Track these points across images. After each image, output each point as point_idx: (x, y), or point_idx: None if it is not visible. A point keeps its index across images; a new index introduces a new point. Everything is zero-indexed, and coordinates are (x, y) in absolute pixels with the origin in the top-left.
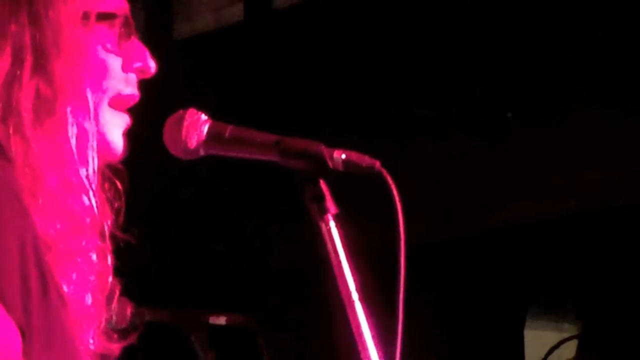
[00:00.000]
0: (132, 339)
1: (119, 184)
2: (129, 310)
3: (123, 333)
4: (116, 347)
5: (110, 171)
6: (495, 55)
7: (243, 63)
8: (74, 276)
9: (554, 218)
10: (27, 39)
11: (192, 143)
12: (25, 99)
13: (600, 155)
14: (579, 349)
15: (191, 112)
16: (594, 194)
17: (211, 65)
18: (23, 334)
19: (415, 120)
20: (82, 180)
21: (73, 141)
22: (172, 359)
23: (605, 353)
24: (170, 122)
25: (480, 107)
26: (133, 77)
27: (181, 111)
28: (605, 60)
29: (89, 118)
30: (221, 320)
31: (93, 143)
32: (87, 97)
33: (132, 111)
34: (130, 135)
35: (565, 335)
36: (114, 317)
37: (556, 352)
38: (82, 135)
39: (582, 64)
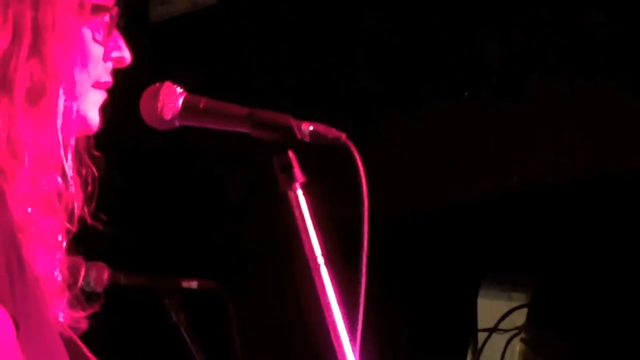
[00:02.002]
0: (96, 307)
1: (95, 170)
2: (105, 275)
3: (94, 299)
4: (83, 319)
5: (88, 157)
6: (452, 35)
7: (217, 44)
8: (43, 255)
9: (505, 192)
10: (28, 19)
11: (168, 114)
12: (19, 80)
13: (550, 131)
14: (529, 316)
15: (167, 85)
16: (544, 169)
17: (186, 46)
18: (16, 323)
19: (378, 97)
20: (61, 161)
21: (59, 122)
22: (146, 320)
23: (552, 321)
24: (147, 94)
25: (440, 86)
26: (110, 66)
27: (157, 84)
28: (554, 39)
29: (75, 100)
30: (193, 285)
31: (74, 123)
32: (75, 82)
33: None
34: (105, 109)
35: (516, 304)
36: (92, 282)
37: (507, 319)
38: (67, 116)
39: (534, 42)
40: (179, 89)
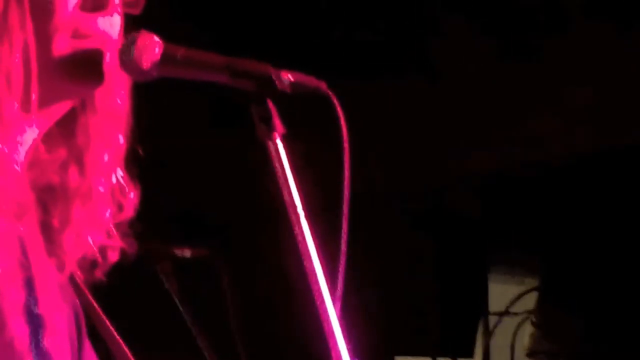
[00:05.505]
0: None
1: None
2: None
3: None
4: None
5: None
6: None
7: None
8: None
9: (513, 171)
10: None
11: (146, 64)
12: None
13: (561, 102)
14: (539, 300)
15: (144, 33)
16: (552, 146)
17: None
18: None
19: (373, 68)
20: None
21: None
22: (137, 287)
23: (563, 304)
24: (124, 43)
25: (436, 57)
26: None
27: (134, 33)
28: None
29: None
30: (186, 253)
31: None
32: None
33: None
34: None
35: (527, 287)
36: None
37: (518, 303)
38: None
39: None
40: (156, 38)
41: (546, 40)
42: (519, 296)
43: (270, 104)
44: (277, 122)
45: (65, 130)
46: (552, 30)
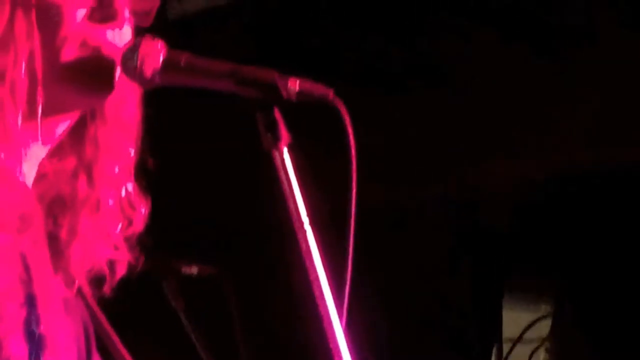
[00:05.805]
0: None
1: None
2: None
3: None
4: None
5: None
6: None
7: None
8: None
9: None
10: None
11: (148, 71)
12: None
13: (575, 117)
14: (553, 327)
15: (147, 40)
16: (565, 161)
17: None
18: None
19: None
20: None
21: None
22: (144, 302)
23: (577, 331)
24: (127, 50)
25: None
26: None
27: (137, 39)
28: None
29: None
30: (193, 270)
31: None
32: None
33: None
34: None
35: (540, 314)
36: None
37: (531, 330)
38: None
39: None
40: (160, 45)
41: (573, 49)
42: (533, 323)
43: (277, 112)
44: (283, 131)
45: (74, 140)
46: (580, 38)
